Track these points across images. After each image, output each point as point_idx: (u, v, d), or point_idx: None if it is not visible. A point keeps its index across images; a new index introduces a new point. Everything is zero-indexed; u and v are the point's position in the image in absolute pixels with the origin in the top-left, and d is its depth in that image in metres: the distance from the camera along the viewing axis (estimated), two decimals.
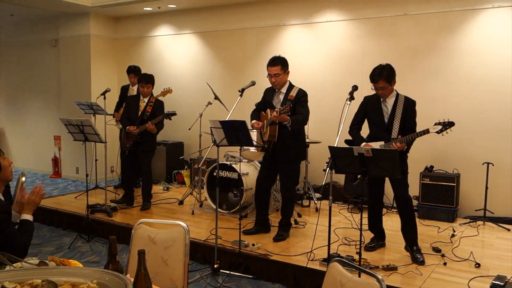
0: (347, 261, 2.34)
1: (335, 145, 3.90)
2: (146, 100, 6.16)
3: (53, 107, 9.34)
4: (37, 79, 9.67)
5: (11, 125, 10.38)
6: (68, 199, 6.97)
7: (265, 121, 4.96)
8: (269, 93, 5.09)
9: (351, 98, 4.17)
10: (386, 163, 3.64)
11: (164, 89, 6.69)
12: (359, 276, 2.45)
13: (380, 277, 2.02)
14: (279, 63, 4.83)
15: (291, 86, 4.95)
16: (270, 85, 5.06)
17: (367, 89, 4.56)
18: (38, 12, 8.51)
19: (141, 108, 6.14)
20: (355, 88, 4.26)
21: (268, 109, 4.98)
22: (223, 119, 4.42)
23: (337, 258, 2.41)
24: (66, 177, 9.20)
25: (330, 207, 3.95)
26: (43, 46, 9.44)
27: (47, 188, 8.34)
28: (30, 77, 9.80)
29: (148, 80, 6.13)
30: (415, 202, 5.83)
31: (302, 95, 4.87)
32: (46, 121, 9.53)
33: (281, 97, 4.95)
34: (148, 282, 1.90)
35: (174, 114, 5.91)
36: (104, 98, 6.17)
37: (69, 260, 2.09)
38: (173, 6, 7.80)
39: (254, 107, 5.22)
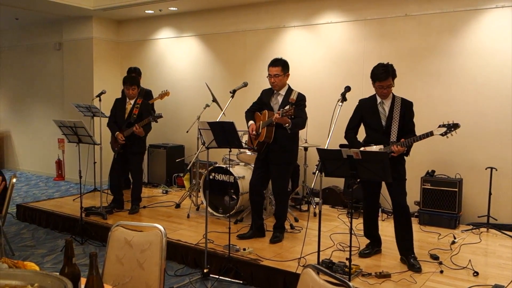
0: (321, 267, 2.23)
1: (326, 147, 3.79)
2: (132, 102, 6.05)
3: (57, 110, 9.36)
4: (42, 83, 9.72)
5: (17, 128, 10.46)
6: (67, 202, 6.94)
7: (261, 121, 4.88)
8: (267, 94, 5.03)
9: (343, 99, 4.04)
10: (375, 166, 3.50)
11: (162, 91, 6.65)
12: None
13: (351, 284, 1.90)
14: (280, 64, 4.84)
15: (290, 90, 4.92)
16: (269, 87, 5.00)
17: (368, 91, 4.41)
18: (42, 15, 8.55)
19: (128, 110, 6.03)
20: (347, 89, 4.13)
21: (266, 110, 4.90)
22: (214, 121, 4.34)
23: (311, 264, 2.30)
24: (69, 179, 9.19)
25: (320, 211, 3.87)
26: (47, 50, 9.48)
27: (49, 190, 8.34)
28: (35, 80, 9.86)
29: (132, 82, 5.99)
30: (416, 208, 5.70)
31: (301, 99, 4.85)
32: (50, 124, 9.50)
33: (280, 99, 4.91)
34: (100, 286, 1.82)
35: (160, 116, 5.77)
36: (100, 100, 6.11)
37: (25, 263, 2.00)
38: (174, 8, 7.76)
39: (249, 107, 5.14)
